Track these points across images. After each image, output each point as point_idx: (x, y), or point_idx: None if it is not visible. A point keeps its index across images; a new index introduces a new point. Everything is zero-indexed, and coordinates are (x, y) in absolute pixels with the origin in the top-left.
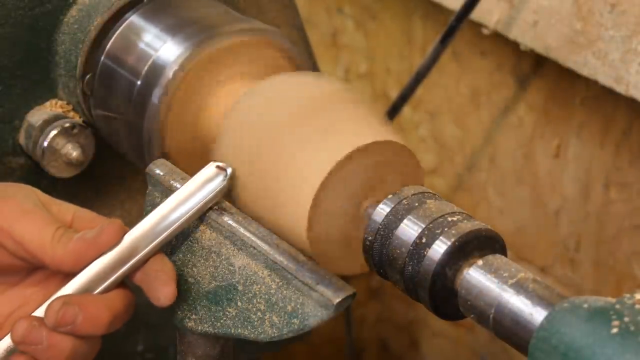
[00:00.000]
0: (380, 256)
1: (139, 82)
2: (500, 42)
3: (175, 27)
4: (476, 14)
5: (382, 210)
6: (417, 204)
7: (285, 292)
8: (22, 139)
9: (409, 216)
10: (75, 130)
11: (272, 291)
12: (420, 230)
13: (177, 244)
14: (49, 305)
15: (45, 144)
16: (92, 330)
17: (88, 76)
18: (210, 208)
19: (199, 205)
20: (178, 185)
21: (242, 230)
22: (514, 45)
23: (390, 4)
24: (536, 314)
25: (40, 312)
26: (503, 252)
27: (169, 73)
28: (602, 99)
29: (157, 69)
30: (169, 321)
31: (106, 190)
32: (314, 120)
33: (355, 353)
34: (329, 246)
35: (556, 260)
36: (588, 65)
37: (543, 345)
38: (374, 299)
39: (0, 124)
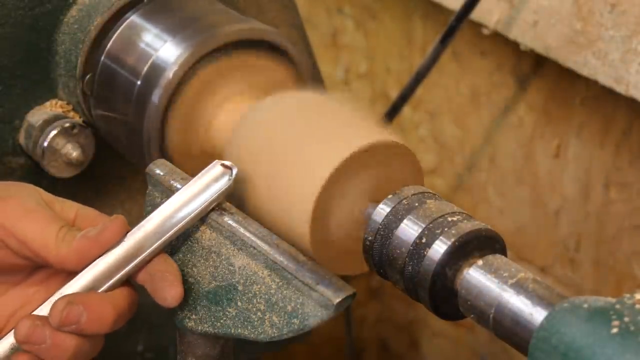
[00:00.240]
0: (380, 256)
1: (139, 82)
2: (500, 42)
3: (175, 27)
4: (476, 14)
5: (382, 210)
6: (417, 204)
7: (285, 292)
8: (22, 139)
9: (409, 216)
10: (75, 130)
11: (272, 291)
12: (420, 230)
13: (177, 243)
14: (54, 304)
15: (45, 144)
16: (96, 329)
17: (88, 76)
18: (214, 208)
19: (204, 204)
20: (178, 185)
21: (242, 230)
22: (514, 45)
23: (390, 4)
24: (536, 314)
25: (42, 310)
26: (503, 252)
27: (169, 73)
28: (602, 99)
29: (157, 69)
30: (169, 321)
31: (106, 190)
32: (316, 122)
33: (355, 353)
34: (331, 246)
35: (556, 260)
36: (588, 65)
37: (543, 345)
38: (374, 299)
39: (0, 124)
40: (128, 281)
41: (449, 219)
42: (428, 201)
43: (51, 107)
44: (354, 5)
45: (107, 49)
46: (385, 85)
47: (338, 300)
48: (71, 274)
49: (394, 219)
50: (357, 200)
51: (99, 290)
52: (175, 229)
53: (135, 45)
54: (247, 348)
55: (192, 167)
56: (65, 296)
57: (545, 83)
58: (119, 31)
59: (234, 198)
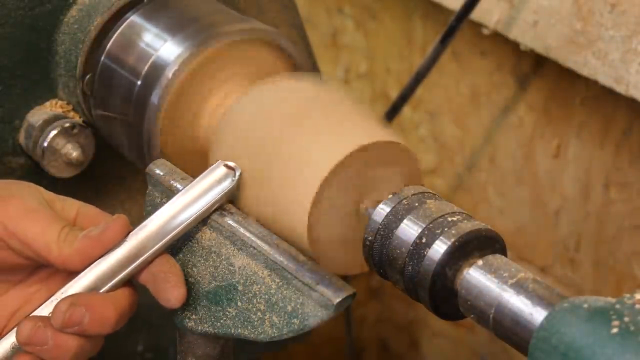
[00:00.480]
0: (380, 256)
1: (139, 82)
2: (500, 42)
3: (175, 27)
4: (476, 14)
5: (382, 210)
6: (417, 204)
7: (285, 292)
8: (22, 139)
9: (409, 216)
10: (75, 130)
11: (272, 291)
12: (420, 230)
13: (177, 244)
14: (56, 305)
15: (45, 144)
16: (99, 330)
17: (88, 76)
18: (217, 208)
19: (207, 205)
20: (178, 185)
21: (242, 230)
22: (514, 45)
23: (390, 4)
24: (536, 314)
25: (44, 310)
26: (503, 252)
27: (169, 73)
28: (602, 99)
29: (157, 69)
30: (169, 321)
31: (106, 190)
32: (314, 120)
33: (355, 353)
34: (329, 246)
35: (556, 260)
36: (588, 65)
37: (543, 345)
38: (374, 299)
39: (0, 124)
40: (129, 281)
41: (449, 219)
42: (428, 201)
43: (51, 107)
44: (354, 5)
45: (107, 49)
46: (385, 85)
47: (338, 300)
48: (72, 273)
49: (394, 219)
50: (356, 200)
51: (101, 291)
52: (178, 230)
53: (135, 45)
54: (247, 348)
55: (192, 167)
56: (67, 297)
57: (545, 83)
58: (119, 31)
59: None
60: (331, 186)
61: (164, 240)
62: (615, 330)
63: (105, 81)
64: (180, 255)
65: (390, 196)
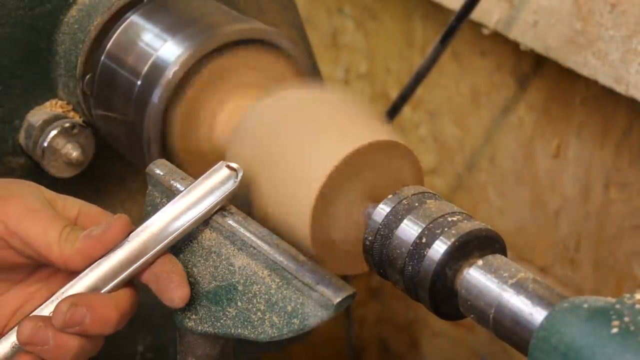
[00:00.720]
0: (380, 256)
1: (139, 82)
2: (500, 42)
3: (175, 27)
4: (476, 14)
5: (382, 210)
6: (417, 204)
7: (285, 292)
8: (22, 139)
9: (409, 216)
10: (75, 130)
11: (272, 291)
12: (420, 230)
13: (177, 244)
14: (57, 305)
15: (45, 144)
16: (100, 330)
17: (88, 76)
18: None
19: (210, 207)
20: (178, 186)
21: (242, 230)
22: (514, 45)
23: (390, 4)
24: (536, 314)
25: (44, 309)
26: (503, 252)
27: (169, 73)
28: (602, 99)
29: (157, 69)
30: (169, 321)
31: (106, 190)
32: (315, 122)
33: (355, 353)
34: (331, 246)
35: (556, 260)
36: (588, 65)
37: (543, 345)
38: (374, 299)
39: (0, 124)
40: (130, 281)
41: (449, 219)
42: (428, 201)
43: (51, 107)
44: (354, 5)
45: (107, 49)
46: (385, 85)
47: (338, 300)
48: (73, 273)
49: (394, 219)
50: (357, 200)
51: (102, 291)
52: (179, 231)
53: (135, 45)
54: (247, 348)
55: (192, 166)
56: (68, 297)
57: (545, 83)
58: (119, 31)
59: (238, 198)
60: (332, 187)
61: (165, 241)
62: (615, 330)
63: (105, 81)
64: (181, 255)
65: (390, 196)
